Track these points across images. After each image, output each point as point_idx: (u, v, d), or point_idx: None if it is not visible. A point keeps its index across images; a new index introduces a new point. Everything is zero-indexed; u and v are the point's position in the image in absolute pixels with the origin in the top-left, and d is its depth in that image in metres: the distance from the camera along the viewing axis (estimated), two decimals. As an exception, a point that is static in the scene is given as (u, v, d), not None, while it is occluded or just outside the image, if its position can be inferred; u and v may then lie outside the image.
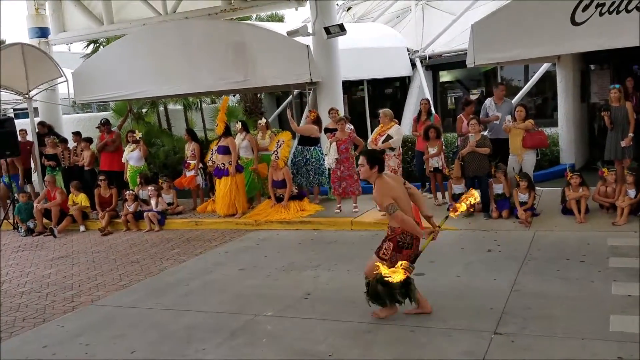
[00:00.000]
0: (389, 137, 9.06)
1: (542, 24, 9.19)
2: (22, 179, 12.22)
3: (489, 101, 10.25)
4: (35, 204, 11.58)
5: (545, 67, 14.04)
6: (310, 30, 11.30)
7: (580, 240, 7.45)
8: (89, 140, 12.49)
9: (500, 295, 5.74)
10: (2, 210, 11.84)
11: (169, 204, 11.26)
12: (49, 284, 7.79)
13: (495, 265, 6.77)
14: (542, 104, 16.00)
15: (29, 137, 13.56)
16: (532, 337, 4.79)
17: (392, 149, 9.09)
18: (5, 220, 11.74)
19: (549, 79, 14.66)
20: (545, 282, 6.08)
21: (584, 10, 8.86)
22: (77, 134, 12.80)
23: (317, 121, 10.83)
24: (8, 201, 12.74)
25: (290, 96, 14.88)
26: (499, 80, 10.88)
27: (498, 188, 8.98)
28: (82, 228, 11.31)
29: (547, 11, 9.12)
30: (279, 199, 10.33)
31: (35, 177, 13.59)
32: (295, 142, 11.15)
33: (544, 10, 9.16)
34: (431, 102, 11.61)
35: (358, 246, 8.08)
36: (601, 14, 8.76)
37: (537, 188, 9.15)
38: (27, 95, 13.29)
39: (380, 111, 9.32)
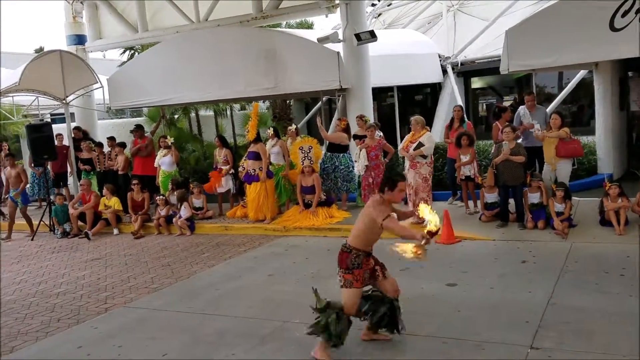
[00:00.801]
0: (420, 145, 8.96)
1: (579, 29, 8.98)
2: (21, 189, 12.04)
3: (522, 109, 10.07)
4: (70, 207, 11.78)
5: (581, 74, 13.78)
6: (340, 37, 11.31)
7: (619, 253, 7.21)
8: (123, 145, 12.66)
9: (536, 309, 5.59)
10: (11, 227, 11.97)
11: (199, 209, 11.34)
12: (83, 285, 7.91)
13: (531, 277, 6.61)
14: (577, 112, 15.70)
15: (65, 142, 13.84)
16: (570, 353, 4.64)
17: (424, 157, 9.00)
18: (42, 222, 11.95)
19: (584, 86, 14.39)
20: (584, 295, 5.90)
21: (623, 15, 8.62)
22: (111, 139, 12.99)
23: (346, 129, 10.80)
24: (44, 204, 12.98)
25: (320, 103, 14.88)
26: (533, 87, 10.67)
27: (534, 197, 8.78)
28: (115, 231, 11.46)
29: (585, 17, 8.91)
30: (307, 205, 10.31)
31: (70, 180, 13.86)
32: (324, 148, 11.13)
33: (581, 16, 8.95)
34: (463, 109, 11.47)
35: (387, 253, 7.97)
36: (641, 20, 8.54)
37: (573, 198, 8.93)
38: (64, 101, 13.56)
39: (412, 118, 9.24)
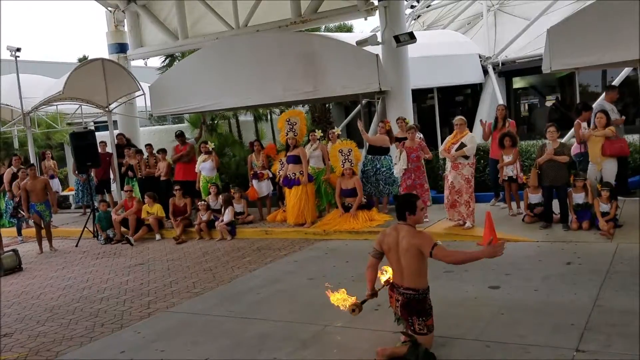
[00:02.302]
0: (462, 145, 8.86)
1: (622, 26, 8.79)
2: (54, 205, 11.99)
3: (607, 104, 9.81)
4: (113, 213, 12.03)
5: (626, 71, 13.42)
6: (379, 39, 11.27)
7: (667, 254, 7.02)
8: (164, 151, 12.87)
9: (581, 311, 5.47)
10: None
11: (240, 214, 11.44)
12: (126, 291, 8.06)
13: (576, 279, 6.46)
14: (622, 110, 15.23)
15: (109, 149, 14.15)
16: (618, 356, 4.52)
17: (466, 157, 8.89)
18: (85, 229, 12.24)
19: (629, 84, 14.02)
20: (630, 297, 5.73)
21: (667, 11, 8.41)
22: (149, 146, 13.22)
23: (389, 131, 10.77)
24: (88, 210, 13.30)
25: (359, 106, 14.85)
26: (576, 86, 10.48)
27: (578, 198, 8.59)
28: (157, 236, 11.66)
29: (626, 14, 8.72)
30: (347, 208, 10.29)
31: (114, 187, 14.16)
32: (364, 151, 11.11)
33: (624, 12, 8.76)
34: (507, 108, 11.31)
35: (429, 257, 7.90)
36: (685, 16, 8.30)
37: (619, 198, 8.71)
38: (107, 109, 13.87)
39: (456, 118, 9.15)
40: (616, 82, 13.74)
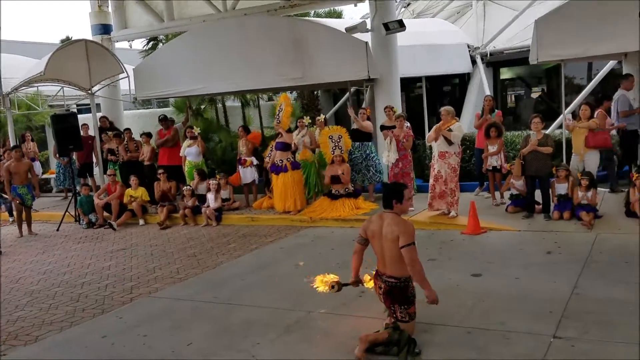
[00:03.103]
0: (450, 130, 8.92)
1: (609, 19, 8.86)
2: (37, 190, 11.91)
3: (628, 93, 9.97)
4: (95, 198, 11.94)
5: (610, 64, 13.53)
6: (369, 27, 11.23)
7: (645, 244, 7.13)
8: (149, 135, 12.77)
9: (560, 299, 5.56)
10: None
11: (226, 200, 11.42)
12: (108, 276, 8.03)
13: (556, 268, 6.56)
14: (606, 103, 15.39)
15: (91, 132, 14.01)
16: (593, 343, 4.61)
17: (451, 144, 8.91)
18: (67, 213, 12.14)
19: (613, 77, 14.13)
20: (608, 286, 5.85)
21: (654, 5, 8.48)
22: (128, 131, 13.11)
23: (369, 118, 10.87)
24: (70, 194, 13.19)
25: (347, 93, 14.84)
26: (562, 78, 10.56)
27: (561, 188, 8.70)
28: (141, 222, 11.60)
29: (615, 7, 8.80)
30: (334, 196, 10.31)
31: (96, 171, 14.04)
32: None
33: (611, 5, 8.83)
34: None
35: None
36: (672, 10, 8.37)
37: (599, 189, 8.82)
38: (89, 91, 13.71)
39: (442, 108, 9.19)
40: (600, 74, 13.87)
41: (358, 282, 5.19)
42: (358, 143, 10.77)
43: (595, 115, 9.40)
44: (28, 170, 11.41)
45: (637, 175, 8.20)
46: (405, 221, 4.84)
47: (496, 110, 10.64)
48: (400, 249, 4.65)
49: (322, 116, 11.59)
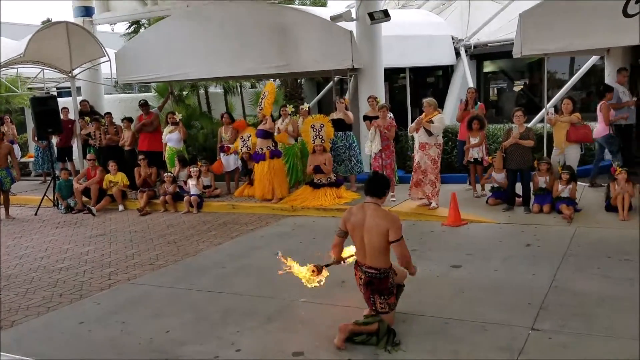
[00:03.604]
0: (431, 122, 8.95)
1: (593, 15, 8.91)
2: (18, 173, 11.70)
3: (619, 87, 10.06)
4: (74, 182, 11.79)
5: (593, 60, 13.63)
6: (353, 16, 11.19)
7: (622, 239, 7.23)
8: (130, 120, 12.63)
9: (538, 291, 5.62)
10: None
11: (207, 187, 11.35)
12: (86, 261, 7.94)
13: (534, 260, 6.62)
14: (587, 98, 15.56)
15: (71, 116, 13.81)
16: (571, 335, 4.67)
17: (431, 135, 8.94)
18: (45, 197, 11.99)
19: (595, 73, 14.27)
20: (586, 279, 5.92)
21: (637, 2, 8.55)
22: (108, 115, 12.96)
23: (346, 107, 10.90)
24: (49, 178, 12.99)
25: (331, 82, 14.80)
26: (544, 73, 10.65)
27: (542, 182, 8.78)
28: (121, 207, 11.50)
29: (598, 2, 8.83)
30: (316, 185, 10.29)
31: (76, 155, 13.86)
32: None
33: (595, 1, 8.86)
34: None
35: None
36: (655, 6, 8.45)
37: (579, 183, 8.92)
38: (70, 74, 13.51)
39: (425, 100, 9.20)
40: (583, 69, 13.98)
41: (339, 261, 5.18)
42: (341, 133, 10.75)
43: (598, 108, 9.54)
44: (8, 153, 11.23)
45: (619, 169, 8.30)
46: (391, 214, 4.86)
47: (479, 103, 10.69)
48: (391, 243, 4.67)
49: (306, 105, 11.54)
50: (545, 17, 9.34)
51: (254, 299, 5.97)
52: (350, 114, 10.80)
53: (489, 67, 17.57)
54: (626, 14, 8.62)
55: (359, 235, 4.83)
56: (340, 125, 10.72)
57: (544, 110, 11.21)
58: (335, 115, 10.81)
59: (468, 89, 11.16)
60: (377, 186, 4.90)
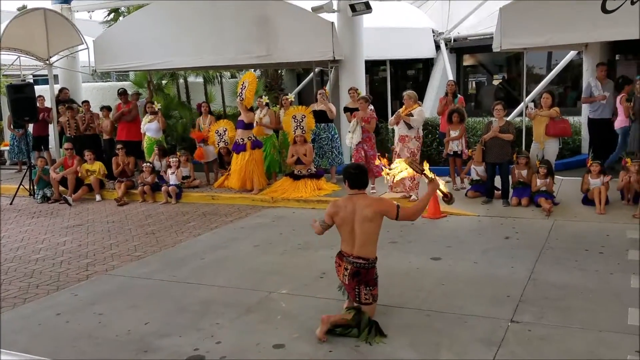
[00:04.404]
0: (411, 115, 8.97)
1: (572, 10, 9.01)
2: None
3: (593, 81, 10.35)
4: (51, 171, 11.59)
5: (570, 55, 13.77)
6: (335, 7, 11.15)
7: (599, 231, 7.35)
8: (109, 109, 12.45)
9: (517, 284, 5.68)
10: None
11: (186, 177, 11.24)
12: (63, 252, 7.83)
13: (513, 253, 6.68)
14: (564, 92, 15.74)
15: (47, 104, 13.59)
16: (549, 327, 4.72)
17: (411, 127, 8.97)
18: (21, 186, 11.79)
19: (572, 68, 14.43)
20: (564, 272, 5.99)
21: (615, -3, 8.65)
22: (86, 103, 12.77)
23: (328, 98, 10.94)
24: (24, 167, 12.78)
25: (312, 74, 14.74)
26: (524, 67, 10.76)
27: (521, 175, 8.86)
28: (98, 197, 11.34)
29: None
30: (296, 177, 10.26)
31: (52, 144, 13.65)
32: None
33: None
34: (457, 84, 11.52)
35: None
36: (632, 3, 8.63)
37: (556, 177, 9.02)
38: (47, 62, 13.28)
39: (405, 93, 9.22)
40: (561, 64, 14.12)
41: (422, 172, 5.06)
42: (323, 124, 10.73)
43: (618, 101, 9.80)
44: None
45: (591, 162, 8.45)
46: (381, 198, 4.98)
47: (459, 96, 10.74)
48: (397, 219, 4.79)
49: (290, 95, 11.46)
50: (525, 12, 9.41)
51: (233, 291, 5.94)
52: (332, 107, 10.78)
53: (468, 60, 17.65)
54: (605, 10, 8.74)
55: (348, 227, 4.82)
56: (322, 117, 10.70)
57: (522, 104, 11.33)
58: (317, 107, 10.77)
59: (448, 81, 11.21)
60: (362, 179, 4.93)
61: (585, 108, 11.27)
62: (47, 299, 6.06)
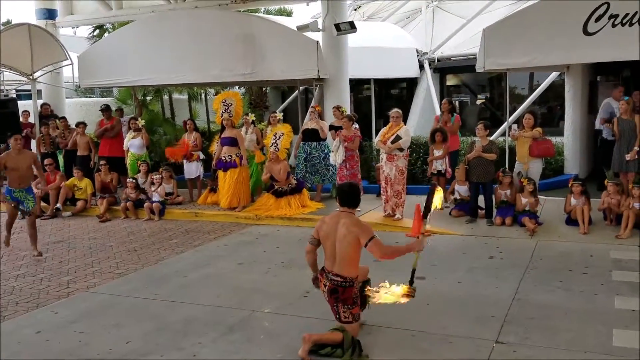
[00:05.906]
0: (398, 138, 8.99)
1: (554, 32, 9.14)
2: None
3: (614, 102, 10.33)
4: (33, 187, 11.38)
5: (552, 76, 13.97)
6: (320, 26, 11.22)
7: (583, 252, 7.38)
8: (84, 124, 12.29)
9: (502, 304, 5.68)
10: None
11: (169, 194, 11.15)
12: (44, 269, 7.71)
13: (497, 273, 6.70)
14: (546, 113, 15.93)
15: (32, 119, 13.46)
16: (535, 349, 4.72)
17: (401, 150, 9.02)
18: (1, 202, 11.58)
19: (553, 88, 14.62)
20: (548, 292, 6.01)
21: (596, 20, 8.82)
22: (63, 119, 12.67)
23: (320, 115, 10.92)
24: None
25: (297, 92, 14.78)
26: (506, 88, 10.91)
27: (504, 195, 8.91)
28: (66, 213, 11.23)
29: (560, 20, 9.08)
30: (277, 193, 10.21)
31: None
32: (297, 137, 11.05)
33: (557, 18, 9.12)
34: (438, 104, 11.56)
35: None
36: (614, 26, 8.73)
37: (540, 197, 9.09)
38: (31, 77, 13.19)
39: (393, 111, 9.27)
40: (543, 86, 14.31)
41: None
42: (315, 143, 10.71)
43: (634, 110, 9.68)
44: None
45: (572, 182, 8.53)
46: (361, 221, 4.89)
47: (455, 114, 10.73)
48: (366, 247, 4.68)
49: (278, 113, 11.43)
50: (507, 33, 9.53)
51: (216, 309, 5.87)
52: (325, 125, 10.78)
53: (451, 80, 17.84)
54: (586, 32, 8.88)
55: (330, 243, 4.83)
56: (314, 136, 10.69)
57: (505, 124, 11.43)
58: (309, 125, 10.79)
59: (443, 101, 11.27)
60: (353, 197, 4.95)
61: (596, 124, 11.22)
62: (26, 317, 5.95)
